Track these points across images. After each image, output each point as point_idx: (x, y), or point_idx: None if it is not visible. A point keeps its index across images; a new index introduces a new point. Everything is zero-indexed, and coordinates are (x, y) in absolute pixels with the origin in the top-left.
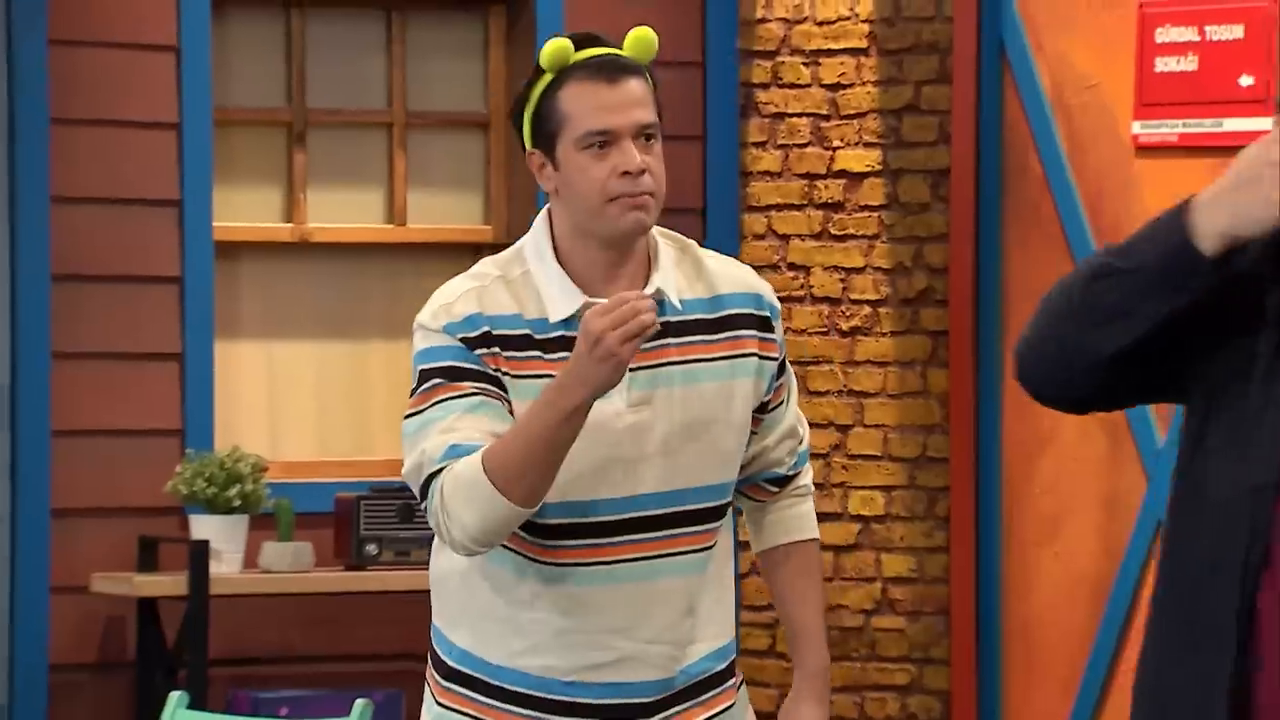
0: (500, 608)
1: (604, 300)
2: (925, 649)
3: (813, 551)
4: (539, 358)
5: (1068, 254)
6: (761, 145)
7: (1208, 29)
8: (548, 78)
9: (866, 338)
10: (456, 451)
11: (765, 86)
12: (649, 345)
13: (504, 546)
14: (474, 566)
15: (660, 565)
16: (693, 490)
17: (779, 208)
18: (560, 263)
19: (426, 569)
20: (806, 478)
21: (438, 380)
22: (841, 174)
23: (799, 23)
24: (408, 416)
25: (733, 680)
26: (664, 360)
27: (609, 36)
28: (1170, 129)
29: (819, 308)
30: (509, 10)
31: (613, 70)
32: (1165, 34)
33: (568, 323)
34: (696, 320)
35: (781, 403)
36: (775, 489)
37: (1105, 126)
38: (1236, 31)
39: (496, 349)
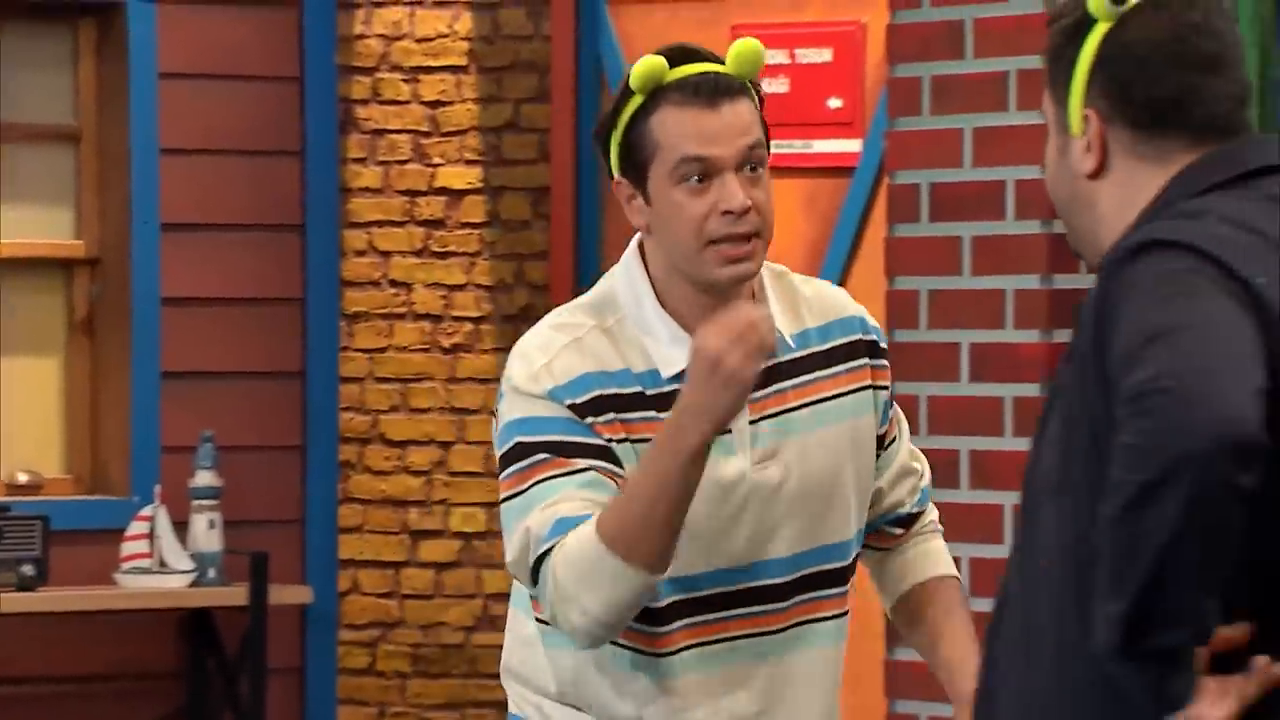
0: (620, 705)
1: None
2: None
3: (956, 589)
4: (654, 419)
5: None
6: (361, 161)
7: (798, 52)
8: (638, 100)
9: (468, 355)
10: (565, 525)
11: (365, 103)
12: (764, 393)
13: (623, 646)
14: (578, 667)
15: (794, 639)
16: (827, 549)
17: (380, 224)
18: (662, 305)
19: None
20: (933, 514)
21: (543, 456)
22: (442, 191)
23: (398, 39)
24: (507, 498)
25: None
26: (785, 406)
27: (707, 50)
28: None
29: (420, 325)
30: (99, 22)
31: (713, 92)
32: None
33: (681, 376)
34: (807, 356)
35: (895, 438)
36: (900, 530)
37: None
38: (825, 55)
39: (611, 414)
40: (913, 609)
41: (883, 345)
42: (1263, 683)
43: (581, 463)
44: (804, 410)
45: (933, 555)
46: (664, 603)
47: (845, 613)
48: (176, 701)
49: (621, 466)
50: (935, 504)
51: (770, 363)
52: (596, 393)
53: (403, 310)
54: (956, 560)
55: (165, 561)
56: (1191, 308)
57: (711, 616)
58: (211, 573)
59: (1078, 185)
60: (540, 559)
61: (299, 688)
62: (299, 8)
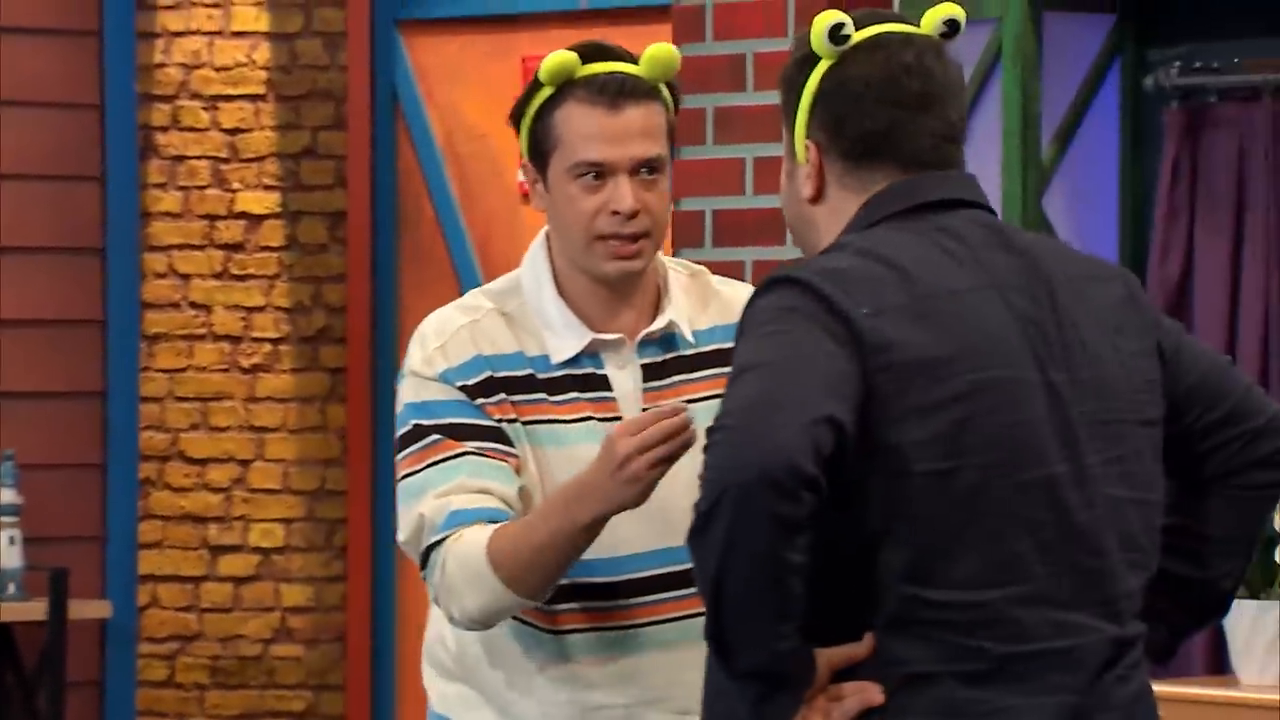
0: (523, 692)
1: (610, 336)
2: (322, 675)
3: None
4: (544, 401)
5: (459, 292)
6: (162, 186)
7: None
8: (547, 91)
9: (268, 374)
10: (458, 519)
11: (165, 129)
12: (663, 383)
13: (524, 623)
14: (493, 650)
15: (690, 627)
16: None
17: (180, 248)
18: (561, 294)
19: None
20: None
21: (435, 438)
22: (242, 215)
23: (197, 68)
24: (403, 476)
25: None
26: (682, 399)
27: (622, 50)
28: None
29: (220, 345)
30: None
31: (617, 94)
32: None
33: (574, 361)
34: (712, 351)
35: None
36: None
37: (493, 174)
38: None
39: (502, 395)
40: None
41: None
42: (860, 705)
43: (473, 445)
44: (701, 404)
45: None
46: (575, 583)
47: None
48: None
49: (513, 446)
50: None
51: (670, 355)
52: (487, 374)
53: (202, 331)
54: None
55: None
56: (775, 346)
57: (604, 604)
58: (12, 588)
59: (801, 208)
60: (432, 547)
61: (98, 700)
62: (99, 36)
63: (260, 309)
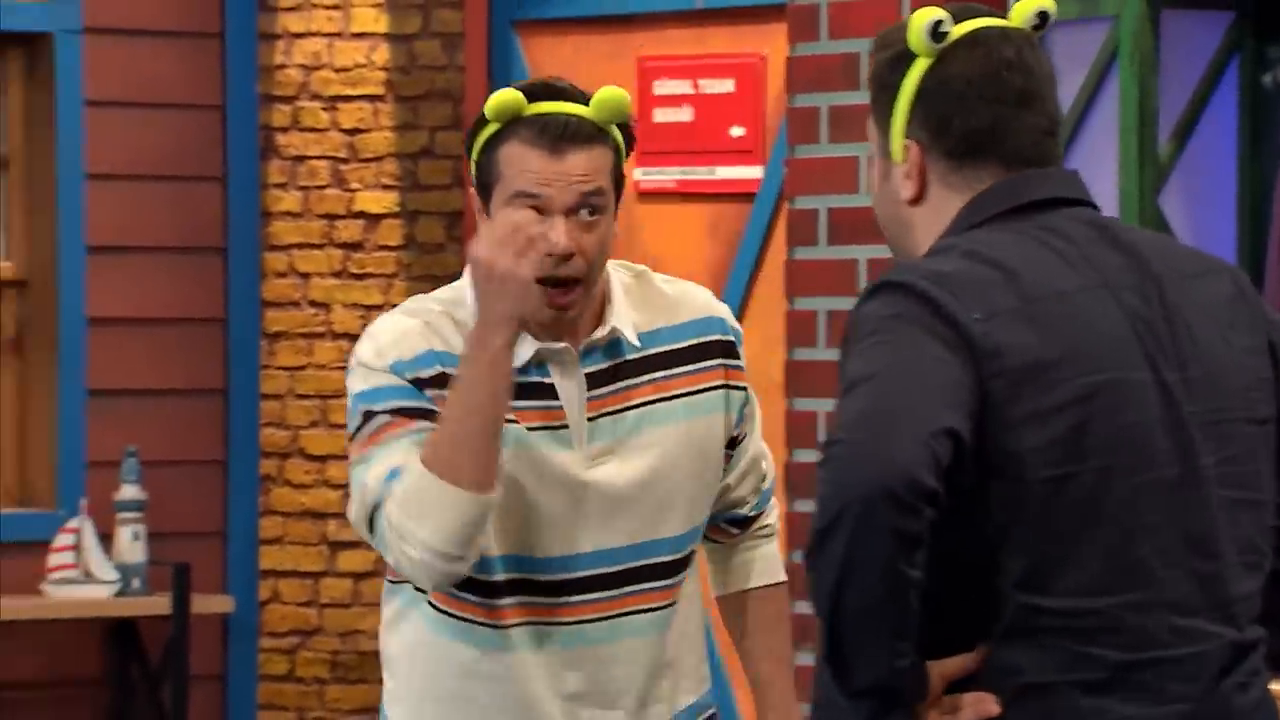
0: (460, 685)
1: (556, 345)
2: None
3: (777, 597)
4: None
5: None
6: (282, 186)
7: (701, 82)
8: (493, 127)
9: None
10: (397, 474)
11: (285, 130)
12: (607, 390)
13: (453, 615)
14: (421, 640)
15: (622, 625)
16: (659, 542)
17: (300, 247)
18: None
19: None
20: (771, 517)
21: (384, 419)
22: (360, 215)
23: (318, 69)
24: (354, 464)
25: None
26: (626, 404)
27: (575, 89)
28: (668, 176)
29: (339, 343)
30: (27, 52)
31: (558, 138)
32: (663, 86)
33: (522, 370)
34: (657, 354)
35: (746, 435)
36: (736, 530)
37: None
38: (728, 85)
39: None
40: (737, 615)
41: (739, 347)
42: (976, 716)
43: (420, 424)
44: (646, 408)
45: (762, 561)
46: (499, 578)
47: (673, 603)
48: (101, 708)
49: None
50: None
51: (615, 361)
52: (438, 369)
53: (322, 329)
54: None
55: (91, 572)
56: (886, 355)
57: (544, 600)
58: (136, 583)
59: (899, 210)
60: (375, 508)
61: (220, 694)
62: (221, 38)
63: (379, 307)
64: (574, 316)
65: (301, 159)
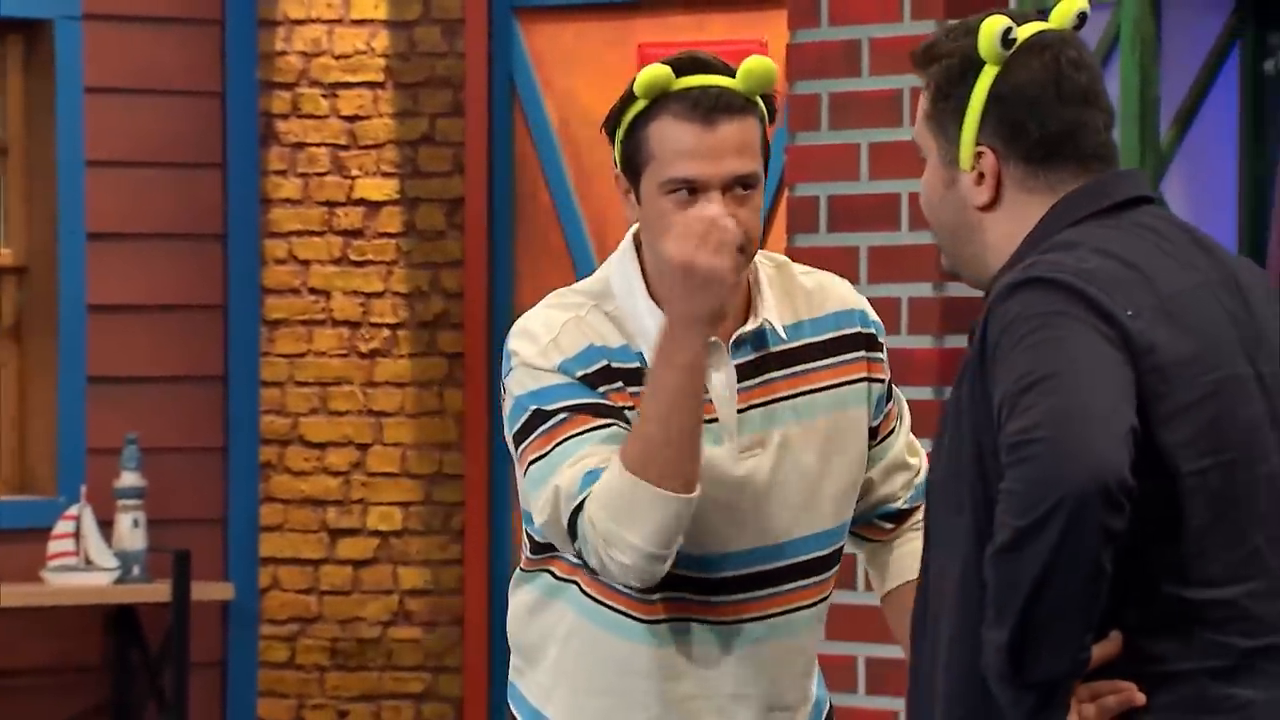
0: (614, 679)
1: (709, 340)
2: (440, 658)
3: None
4: None
5: (575, 277)
6: (282, 173)
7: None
8: (641, 104)
9: (386, 359)
10: (594, 477)
11: (285, 117)
12: (754, 382)
13: (605, 605)
14: (574, 630)
15: (780, 624)
16: (811, 537)
17: (300, 234)
18: (654, 298)
19: None
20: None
21: (563, 416)
22: (360, 202)
23: (317, 56)
24: (532, 462)
25: None
26: (773, 396)
27: (720, 61)
28: None
29: (339, 330)
30: (27, 38)
31: (711, 109)
32: None
33: None
34: (803, 347)
35: (892, 431)
36: (891, 525)
37: (609, 160)
38: None
39: (620, 383)
40: (897, 609)
41: (881, 339)
42: (1121, 705)
43: (601, 420)
44: (793, 400)
45: (918, 555)
46: (668, 574)
47: (826, 597)
48: (102, 695)
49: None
50: None
51: (762, 353)
52: (604, 363)
53: (322, 317)
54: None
55: (91, 559)
56: (1062, 352)
57: (699, 598)
58: (136, 570)
59: (966, 215)
60: (575, 512)
61: (221, 681)
62: (221, 25)
63: (379, 295)
64: (734, 289)
65: (301, 146)
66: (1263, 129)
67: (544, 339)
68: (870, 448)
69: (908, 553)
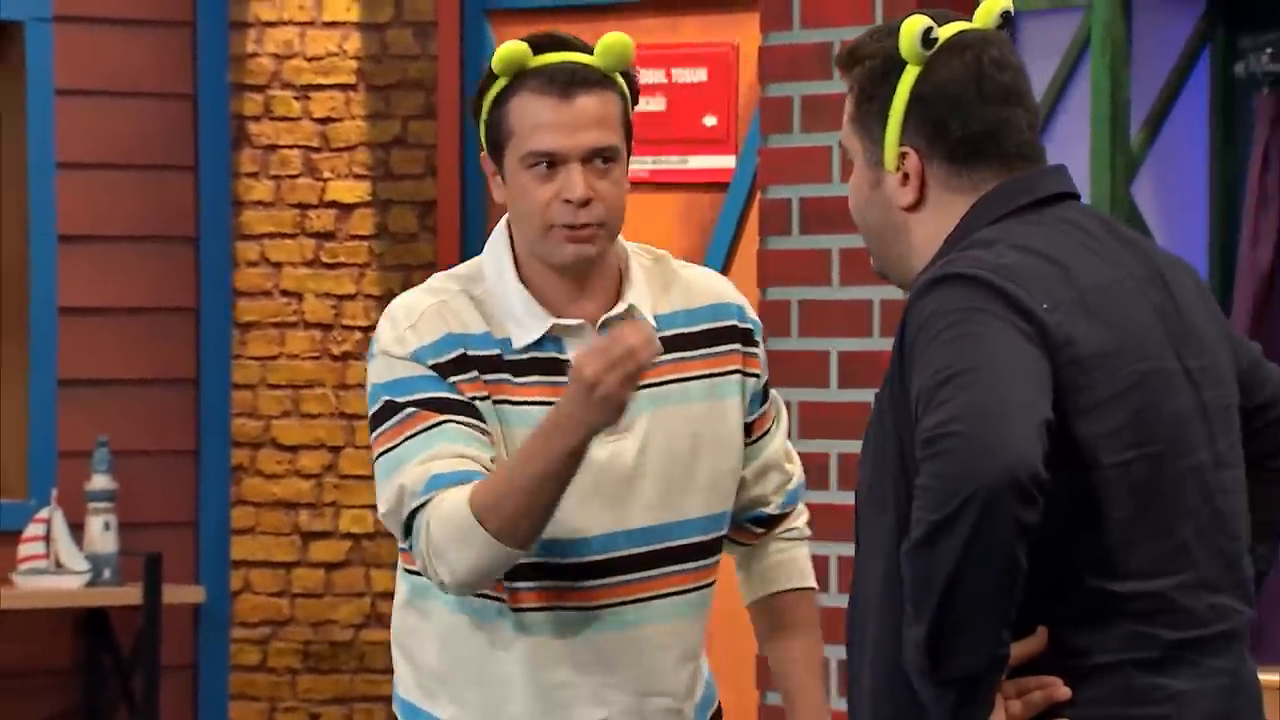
0: (479, 668)
1: (572, 322)
2: None
3: (805, 602)
4: (508, 381)
5: None
6: (254, 176)
7: (674, 71)
8: (501, 82)
9: (358, 362)
10: (439, 482)
11: (257, 119)
12: None
13: (483, 595)
14: (452, 627)
15: (650, 608)
16: (684, 523)
17: (272, 236)
18: (523, 280)
19: None
20: (800, 520)
21: (411, 410)
22: (332, 204)
23: (289, 58)
24: (380, 454)
25: None
26: (643, 383)
27: (577, 39)
28: (641, 165)
29: (311, 333)
30: None
31: (568, 83)
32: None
33: (537, 344)
34: (674, 336)
35: (766, 432)
36: (761, 530)
37: None
38: (700, 75)
39: (475, 372)
40: (766, 619)
41: (757, 337)
42: (1047, 700)
43: (447, 415)
44: (663, 388)
45: (792, 565)
46: (531, 562)
47: (703, 585)
48: (72, 698)
49: (485, 422)
50: (808, 505)
51: (659, 351)
52: (459, 351)
53: (294, 319)
54: (824, 559)
55: (61, 562)
56: (978, 348)
57: (567, 584)
58: (107, 573)
59: (891, 215)
60: (414, 513)
61: (192, 684)
62: (193, 27)
63: (351, 297)
64: (592, 256)
65: (273, 148)
66: (1233, 131)
67: (402, 325)
68: (747, 444)
69: (775, 564)
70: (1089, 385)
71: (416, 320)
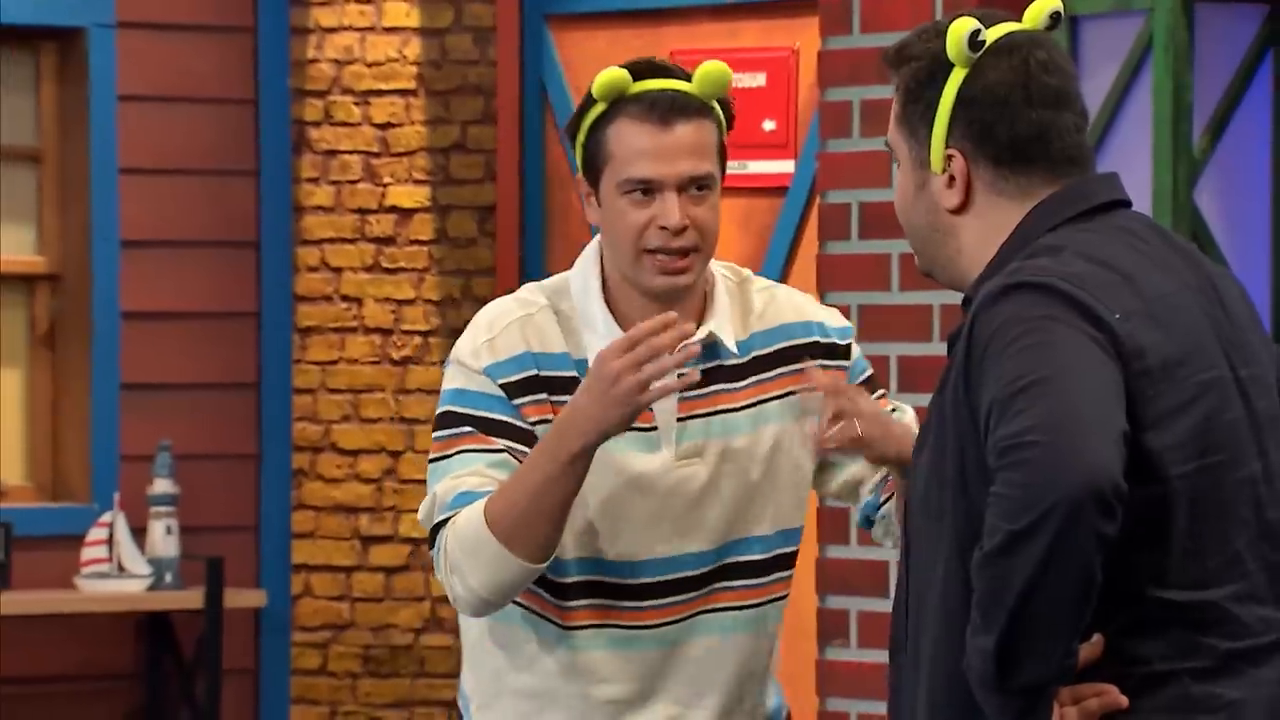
0: (524, 675)
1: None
2: None
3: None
4: None
5: None
6: (314, 181)
7: (734, 76)
8: (600, 107)
9: (417, 367)
10: (465, 499)
11: (318, 124)
12: (698, 393)
13: (523, 606)
14: (492, 628)
15: (699, 623)
16: (745, 541)
17: (332, 241)
18: (608, 301)
19: None
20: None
21: (467, 429)
22: (392, 209)
23: (349, 63)
24: (431, 460)
25: None
26: (717, 408)
27: (677, 67)
28: None
29: (371, 338)
30: (61, 47)
31: (667, 111)
32: None
33: None
34: (752, 360)
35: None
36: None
37: None
38: (760, 79)
39: (544, 395)
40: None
41: (844, 345)
42: (1103, 707)
43: (500, 443)
44: (737, 413)
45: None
46: (570, 580)
47: (763, 602)
48: (134, 702)
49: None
50: None
51: (712, 365)
52: (532, 372)
53: (354, 324)
54: (884, 564)
55: (124, 566)
56: (1053, 356)
57: (619, 604)
58: (169, 577)
59: (939, 218)
60: (438, 526)
61: (253, 688)
62: (254, 33)
63: (410, 302)
64: (686, 285)
65: (333, 153)
66: None
67: (483, 336)
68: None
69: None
70: (1158, 396)
71: (497, 335)
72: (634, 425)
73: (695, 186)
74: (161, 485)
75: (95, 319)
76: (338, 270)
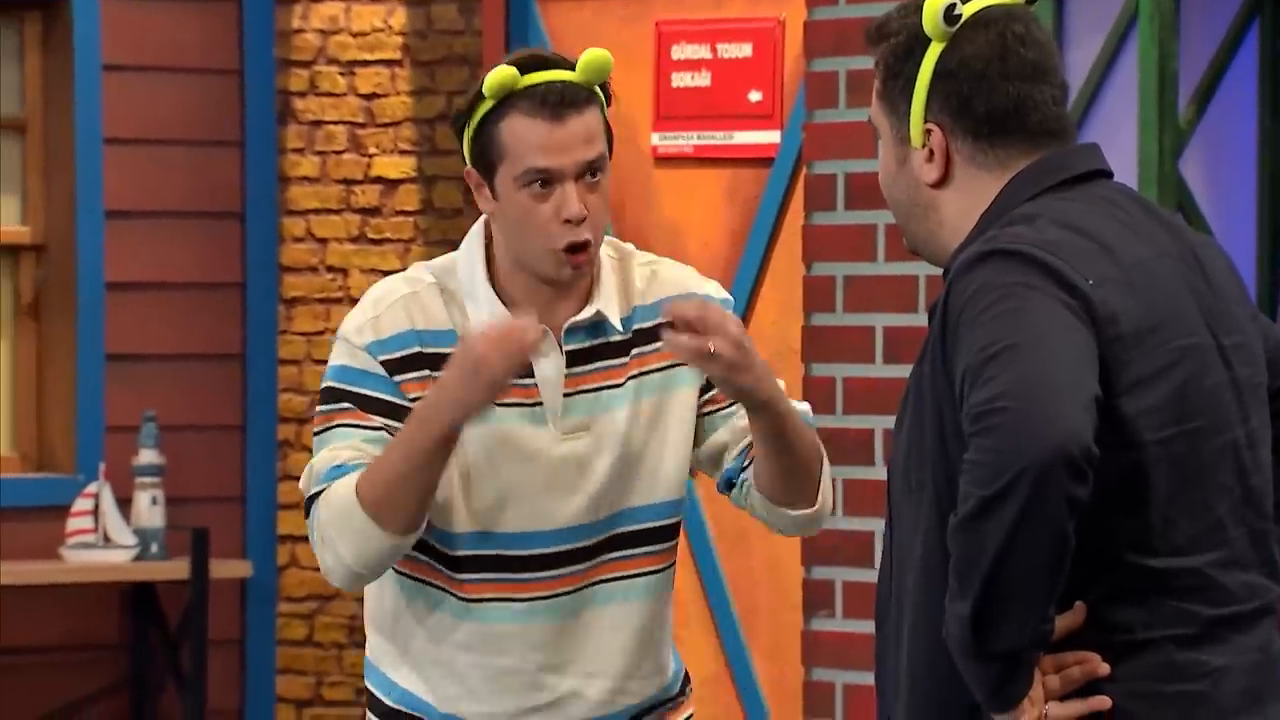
0: (435, 650)
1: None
2: None
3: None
4: None
5: None
6: (300, 151)
7: (719, 47)
8: (489, 103)
9: None
10: (340, 472)
11: (303, 94)
12: (587, 368)
13: (419, 580)
14: (407, 609)
15: (597, 591)
16: (637, 509)
17: (317, 212)
18: (495, 284)
19: None
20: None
21: (346, 405)
22: (378, 180)
23: (335, 33)
24: (315, 432)
25: (683, 715)
26: (602, 384)
27: (558, 56)
28: (686, 141)
29: None
30: (45, 16)
31: (558, 104)
32: (681, 51)
33: None
34: (636, 334)
35: (722, 409)
36: (729, 491)
37: (627, 137)
38: (745, 50)
39: (427, 370)
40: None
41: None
42: (1085, 675)
43: (378, 420)
44: (620, 387)
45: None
46: (462, 553)
47: (656, 570)
48: (120, 672)
49: None
50: (851, 480)
51: (597, 341)
52: (415, 349)
53: (339, 295)
54: (869, 534)
55: (109, 537)
56: (1025, 323)
57: (513, 576)
58: (154, 548)
59: (919, 192)
60: (313, 498)
61: (239, 658)
62: (239, 2)
63: (396, 272)
64: (586, 274)
65: (319, 124)
66: None
67: (369, 314)
68: (715, 414)
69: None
70: (1132, 361)
71: (382, 313)
72: (521, 401)
73: (589, 173)
74: (147, 456)
75: (80, 289)
76: (323, 241)
